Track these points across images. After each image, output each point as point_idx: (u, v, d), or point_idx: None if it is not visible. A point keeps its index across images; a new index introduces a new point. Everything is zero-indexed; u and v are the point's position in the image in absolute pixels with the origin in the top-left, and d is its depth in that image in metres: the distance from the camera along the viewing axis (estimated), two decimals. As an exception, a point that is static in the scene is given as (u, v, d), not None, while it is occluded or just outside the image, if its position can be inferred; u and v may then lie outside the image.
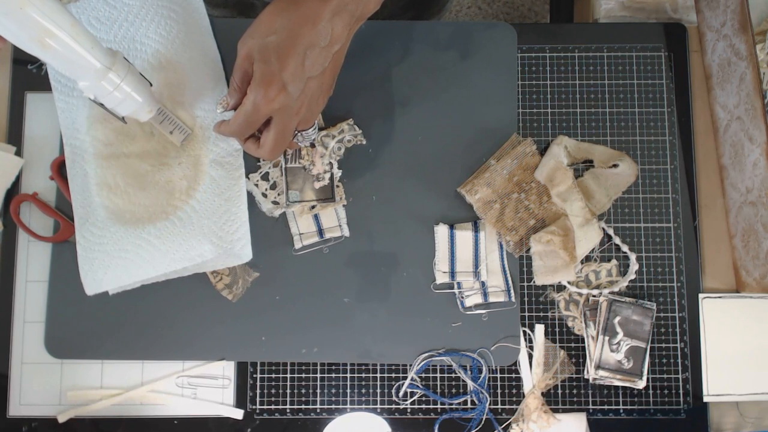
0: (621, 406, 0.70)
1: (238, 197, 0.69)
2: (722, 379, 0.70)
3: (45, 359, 0.70)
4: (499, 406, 0.70)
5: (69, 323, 0.70)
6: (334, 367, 0.71)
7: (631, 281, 0.71)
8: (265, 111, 0.56)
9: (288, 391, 0.71)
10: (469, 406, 0.70)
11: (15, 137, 0.73)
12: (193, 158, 0.69)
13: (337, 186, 0.71)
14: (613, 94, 0.74)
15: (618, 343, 0.69)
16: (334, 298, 0.70)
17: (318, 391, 0.70)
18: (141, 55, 0.70)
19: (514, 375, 0.71)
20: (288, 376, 0.71)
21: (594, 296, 0.70)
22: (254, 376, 0.71)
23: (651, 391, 0.70)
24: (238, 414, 0.70)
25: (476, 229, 0.71)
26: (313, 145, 0.70)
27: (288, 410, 0.70)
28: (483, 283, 0.70)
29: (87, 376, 0.70)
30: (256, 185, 0.71)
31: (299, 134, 0.64)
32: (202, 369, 0.71)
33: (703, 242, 0.73)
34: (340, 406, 0.70)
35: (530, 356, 0.71)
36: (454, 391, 0.70)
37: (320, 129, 0.71)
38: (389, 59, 0.73)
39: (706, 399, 0.70)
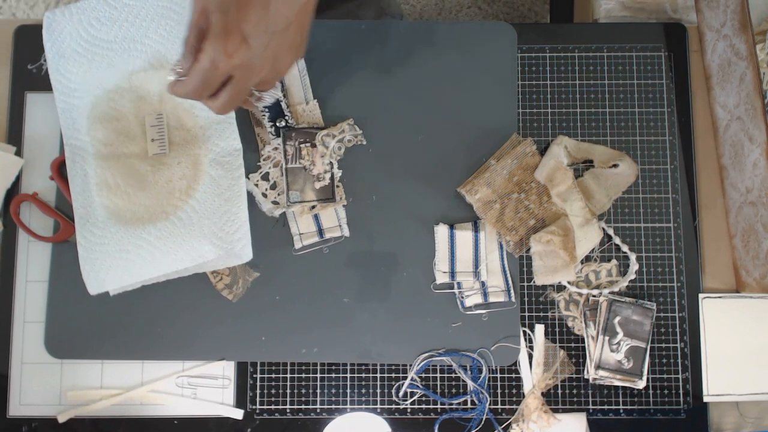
0: (621, 406, 0.70)
1: (237, 197, 0.69)
2: (722, 379, 0.70)
3: (45, 359, 0.70)
4: (499, 406, 0.70)
5: (69, 323, 0.70)
6: (334, 367, 0.71)
7: (631, 281, 0.71)
8: (225, 68, 0.50)
9: (288, 391, 0.71)
10: (469, 406, 0.70)
11: (15, 137, 0.73)
12: (192, 158, 0.69)
13: (337, 186, 0.71)
14: (613, 94, 0.74)
15: (618, 343, 0.69)
16: (334, 298, 0.70)
17: (318, 391, 0.70)
18: (141, 55, 0.70)
19: (514, 375, 0.71)
20: (288, 376, 0.71)
21: (594, 296, 0.70)
22: (254, 376, 0.71)
23: (651, 391, 0.70)
24: (238, 414, 0.70)
25: (476, 229, 0.71)
26: (314, 145, 0.70)
27: (288, 410, 0.70)
28: (483, 283, 0.70)
29: (87, 376, 0.70)
30: (256, 185, 0.71)
31: (258, 93, 0.60)
32: (202, 369, 0.71)
33: (703, 242, 0.73)
34: (340, 406, 0.70)
35: (530, 356, 0.71)
36: (454, 391, 0.70)
37: (320, 129, 0.71)
38: (389, 59, 0.73)
39: (706, 399, 0.70)
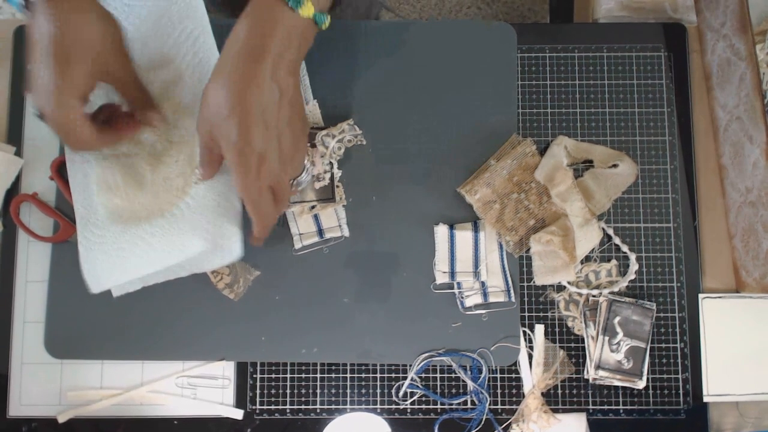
0: (621, 406, 0.70)
1: (231, 193, 0.68)
2: (722, 379, 0.70)
3: (45, 359, 0.70)
4: (499, 406, 0.70)
5: (69, 323, 0.70)
6: (334, 367, 0.71)
7: (631, 281, 0.71)
8: (263, 186, 0.55)
9: (288, 391, 0.71)
10: (469, 406, 0.70)
11: (15, 137, 0.73)
12: (188, 156, 0.69)
13: (337, 186, 0.71)
14: (613, 94, 0.74)
15: (618, 343, 0.69)
16: (334, 298, 0.70)
17: (318, 391, 0.70)
18: (142, 55, 0.70)
19: (514, 375, 0.71)
20: (288, 376, 0.71)
21: (594, 296, 0.70)
22: (254, 376, 0.71)
23: (651, 391, 0.70)
24: (238, 414, 0.70)
25: (476, 229, 0.71)
26: (314, 145, 0.70)
27: (288, 410, 0.70)
28: (483, 283, 0.70)
29: (87, 376, 0.70)
30: (256, 185, 0.71)
31: (294, 182, 0.65)
32: (202, 369, 0.71)
33: (703, 242, 0.73)
34: (340, 406, 0.70)
35: (530, 356, 0.71)
36: (454, 391, 0.70)
37: (320, 129, 0.71)
38: (389, 59, 0.73)
39: (706, 399, 0.70)
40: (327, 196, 0.70)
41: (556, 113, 0.74)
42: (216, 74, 0.54)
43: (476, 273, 0.70)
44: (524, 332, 0.71)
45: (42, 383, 0.70)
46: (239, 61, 0.53)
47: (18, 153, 0.73)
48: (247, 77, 0.52)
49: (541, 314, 0.71)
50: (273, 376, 0.71)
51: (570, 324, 0.71)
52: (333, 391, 0.70)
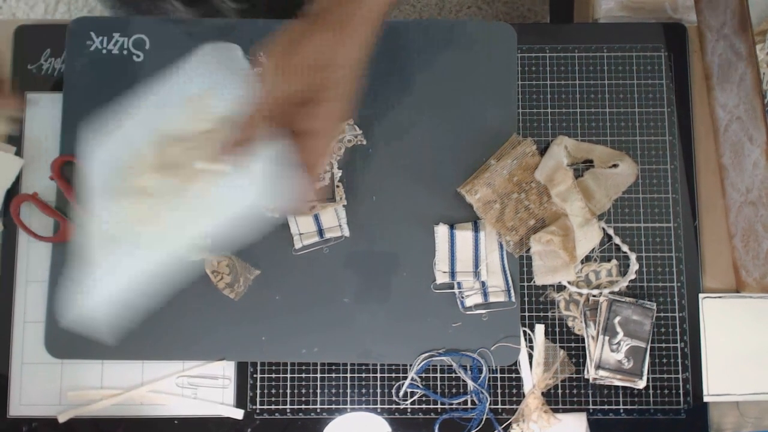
0: (621, 406, 0.70)
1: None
2: (722, 379, 0.70)
3: (45, 359, 0.70)
4: (499, 406, 0.70)
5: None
6: (334, 367, 0.71)
7: (631, 281, 0.71)
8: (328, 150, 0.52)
9: (288, 391, 0.71)
10: (469, 406, 0.70)
11: (15, 137, 0.73)
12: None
13: (337, 186, 0.71)
14: (613, 94, 0.74)
15: (618, 343, 0.69)
16: (334, 298, 0.70)
17: (318, 391, 0.70)
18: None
19: (514, 375, 0.71)
20: (288, 376, 0.71)
21: (594, 296, 0.70)
22: (254, 376, 0.71)
23: (651, 391, 0.70)
24: (238, 414, 0.70)
25: (476, 229, 0.71)
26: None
27: (288, 410, 0.70)
28: (483, 283, 0.70)
29: (87, 376, 0.70)
30: (256, 185, 0.71)
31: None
32: (202, 369, 0.71)
33: (703, 242, 0.73)
34: (340, 406, 0.70)
35: (530, 356, 0.71)
36: (454, 391, 0.70)
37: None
38: (389, 59, 0.73)
39: (706, 399, 0.70)
40: (327, 195, 0.70)
41: (556, 113, 0.74)
42: (339, 24, 0.49)
43: (476, 273, 0.70)
44: (524, 332, 0.71)
45: (42, 383, 0.70)
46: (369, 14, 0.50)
47: (18, 153, 0.73)
48: (361, 37, 0.50)
49: (541, 314, 0.71)
50: (273, 376, 0.71)
51: (570, 324, 0.71)
52: (333, 391, 0.70)
